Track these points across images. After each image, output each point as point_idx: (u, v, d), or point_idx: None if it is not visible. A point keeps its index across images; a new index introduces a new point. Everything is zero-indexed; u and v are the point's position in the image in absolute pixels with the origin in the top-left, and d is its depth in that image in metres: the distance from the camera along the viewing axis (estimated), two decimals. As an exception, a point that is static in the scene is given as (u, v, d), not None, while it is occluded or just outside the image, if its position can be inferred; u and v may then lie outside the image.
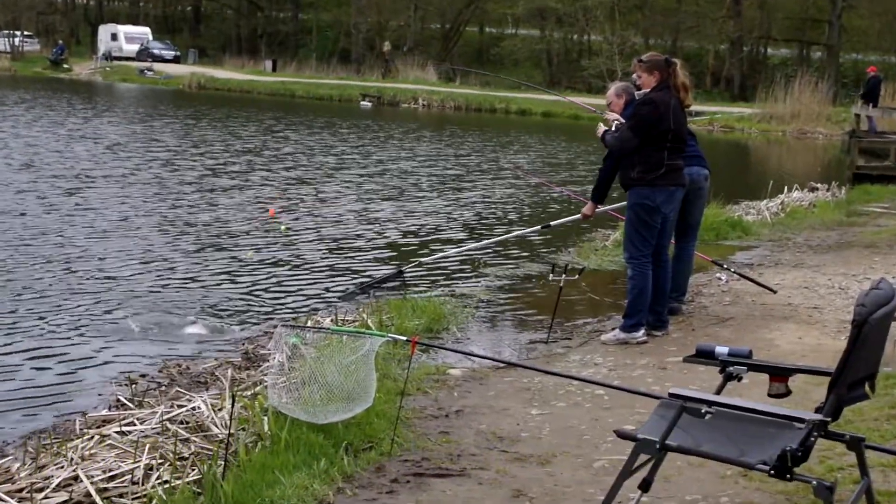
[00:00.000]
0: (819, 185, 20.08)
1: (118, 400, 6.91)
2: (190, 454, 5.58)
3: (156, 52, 70.04)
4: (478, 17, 73.63)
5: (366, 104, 49.71)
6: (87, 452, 5.61)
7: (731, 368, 4.63)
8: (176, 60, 69.60)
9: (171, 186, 17.92)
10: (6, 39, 72.12)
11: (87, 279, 10.68)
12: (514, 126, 40.80)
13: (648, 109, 8.03)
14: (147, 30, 76.26)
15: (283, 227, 13.96)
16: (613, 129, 8.35)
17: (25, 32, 74.72)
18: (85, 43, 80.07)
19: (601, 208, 9.62)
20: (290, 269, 11.69)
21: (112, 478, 5.30)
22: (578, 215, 9.63)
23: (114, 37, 73.64)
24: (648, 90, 8.17)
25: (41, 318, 9.10)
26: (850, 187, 21.53)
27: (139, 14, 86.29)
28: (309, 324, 8.41)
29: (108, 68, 65.96)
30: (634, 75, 8.55)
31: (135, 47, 71.56)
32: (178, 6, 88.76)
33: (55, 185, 17.24)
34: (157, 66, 64.33)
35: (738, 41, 60.48)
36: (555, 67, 65.20)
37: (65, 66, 66.95)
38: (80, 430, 6.20)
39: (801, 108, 41.70)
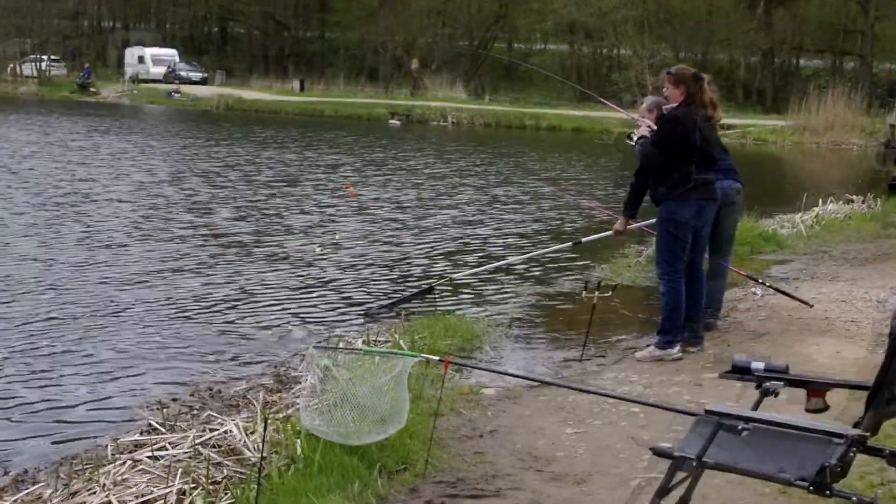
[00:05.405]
0: (854, 197, 19.87)
1: (149, 424, 6.87)
2: (223, 478, 5.56)
3: (183, 74, 70.17)
4: (506, 33, 73.71)
5: (395, 122, 49.71)
6: (119, 478, 5.60)
7: (767, 384, 4.57)
8: (203, 82, 69.48)
9: (210, 209, 18.01)
10: (33, 64, 71.64)
11: (119, 302, 10.69)
12: (545, 142, 40.79)
13: (671, 126, 8.00)
14: (174, 52, 76.19)
15: (317, 249, 13.96)
16: (643, 134, 8.32)
17: (52, 56, 74.62)
18: (111, 66, 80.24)
19: (633, 224, 9.53)
20: (321, 289, 11.67)
21: (145, 503, 5.28)
22: (610, 231, 9.55)
23: (140, 59, 73.91)
24: (675, 104, 8.12)
25: (73, 342, 9.11)
26: (886, 199, 21.31)
27: (165, 36, 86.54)
28: (341, 345, 8.38)
29: (134, 91, 65.68)
30: (665, 88, 8.50)
31: (162, 69, 71.70)
32: (204, 27, 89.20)
33: (95, 209, 17.35)
34: (185, 87, 64.20)
35: (769, 53, 60.32)
36: (585, 82, 65.17)
37: (91, 89, 66.80)
38: (112, 455, 6.18)
39: (834, 119, 41.44)
